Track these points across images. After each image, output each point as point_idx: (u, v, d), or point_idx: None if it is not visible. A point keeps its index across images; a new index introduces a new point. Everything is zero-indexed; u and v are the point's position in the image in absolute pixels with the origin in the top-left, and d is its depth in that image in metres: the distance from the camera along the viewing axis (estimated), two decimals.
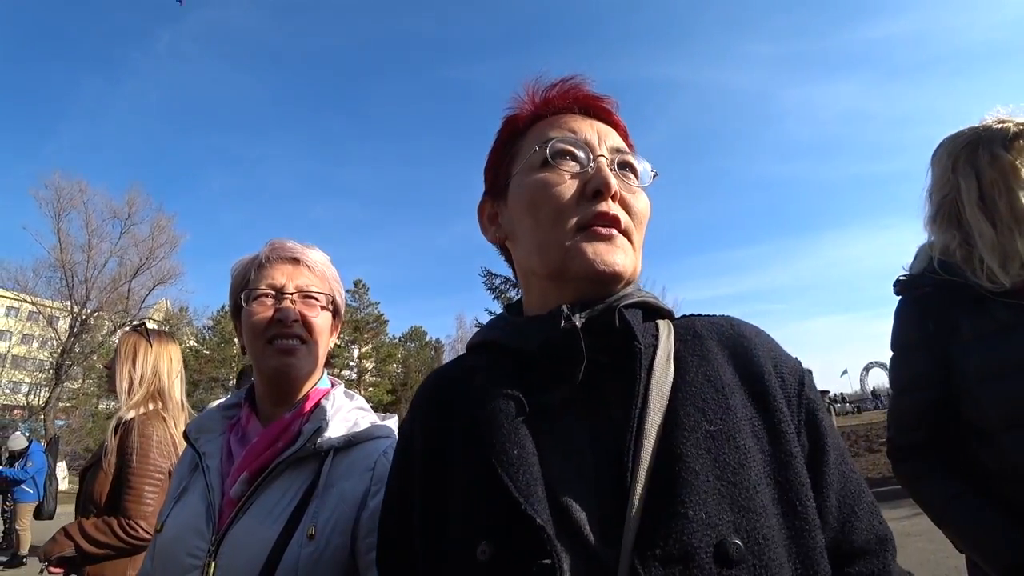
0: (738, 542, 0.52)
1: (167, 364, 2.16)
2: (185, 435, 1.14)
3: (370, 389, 36.09)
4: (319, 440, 1.02)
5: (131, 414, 2.01)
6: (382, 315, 39.41)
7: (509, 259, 0.81)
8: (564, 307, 0.65)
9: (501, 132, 0.80)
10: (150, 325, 2.36)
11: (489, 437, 0.61)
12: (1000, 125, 1.32)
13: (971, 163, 1.32)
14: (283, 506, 0.97)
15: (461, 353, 0.82)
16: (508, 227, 0.77)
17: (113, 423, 2.02)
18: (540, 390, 0.65)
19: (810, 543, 0.56)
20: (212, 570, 0.93)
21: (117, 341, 2.26)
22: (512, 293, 21.68)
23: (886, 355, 1.49)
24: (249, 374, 4.10)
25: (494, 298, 22.10)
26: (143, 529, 1.87)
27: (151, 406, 2.07)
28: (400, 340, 44.73)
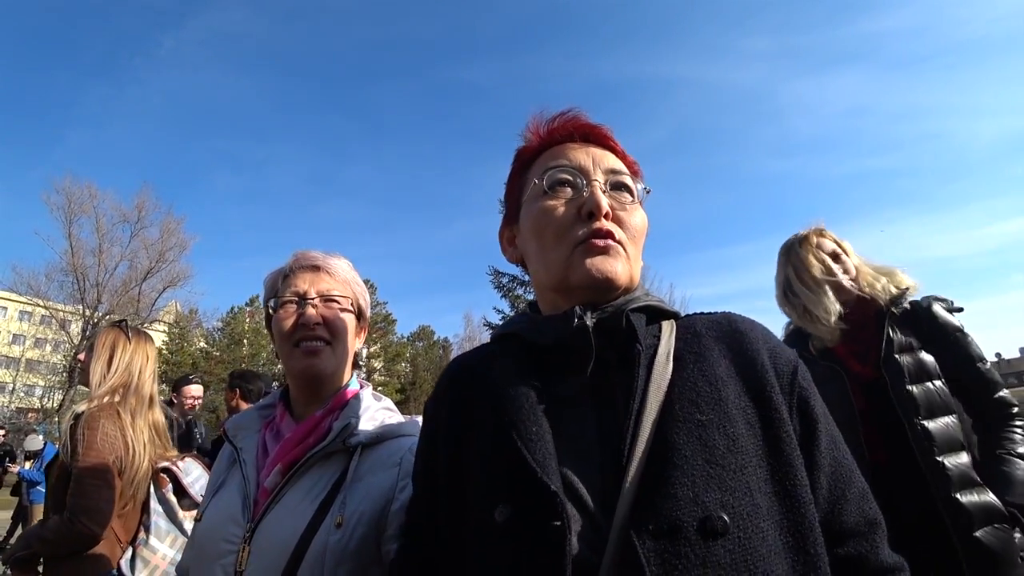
0: (724, 517, 0.59)
1: (141, 362, 2.08)
2: (224, 433, 1.21)
3: (379, 388, 35.96)
4: (348, 436, 1.08)
5: (83, 407, 1.90)
6: (390, 315, 39.72)
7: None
8: (577, 308, 0.74)
9: (513, 164, 0.90)
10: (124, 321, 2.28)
11: (511, 415, 0.70)
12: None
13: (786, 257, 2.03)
14: (313, 496, 1.03)
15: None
16: (523, 248, 0.87)
17: (68, 417, 1.90)
18: (554, 381, 0.74)
19: (799, 517, 0.63)
20: (246, 555, 0.99)
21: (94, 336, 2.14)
22: (520, 291, 21.75)
23: None
24: (238, 376, 4.21)
25: (502, 296, 22.21)
26: (84, 525, 1.72)
27: (106, 400, 1.94)
28: (408, 339, 44.96)
